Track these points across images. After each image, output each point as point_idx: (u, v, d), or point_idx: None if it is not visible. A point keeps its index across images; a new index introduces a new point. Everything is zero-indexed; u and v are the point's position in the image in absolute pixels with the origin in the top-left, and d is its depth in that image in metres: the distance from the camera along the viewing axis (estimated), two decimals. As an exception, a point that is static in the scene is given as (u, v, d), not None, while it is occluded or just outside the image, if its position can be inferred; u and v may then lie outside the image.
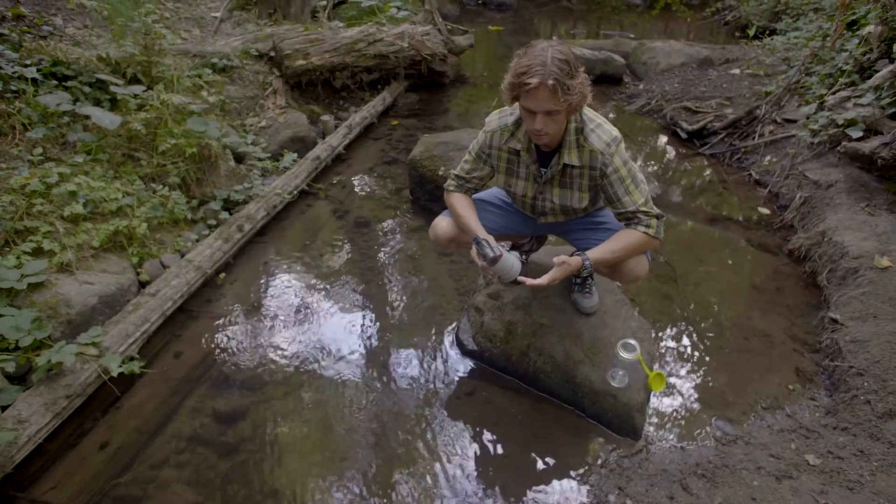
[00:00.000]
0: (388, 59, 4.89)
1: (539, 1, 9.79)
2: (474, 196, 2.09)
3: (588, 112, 1.75)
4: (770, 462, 1.87)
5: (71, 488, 1.80)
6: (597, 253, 1.80)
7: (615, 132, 1.75)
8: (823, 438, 1.96)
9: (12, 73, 2.88)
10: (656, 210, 1.79)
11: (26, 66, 2.95)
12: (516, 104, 1.74)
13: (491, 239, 1.83)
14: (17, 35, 3.30)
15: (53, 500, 1.76)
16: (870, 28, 3.76)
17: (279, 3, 5.76)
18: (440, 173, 3.26)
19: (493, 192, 2.17)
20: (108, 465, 1.88)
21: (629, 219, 1.80)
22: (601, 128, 1.74)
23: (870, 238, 2.75)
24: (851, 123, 3.30)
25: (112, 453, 1.92)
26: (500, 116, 1.87)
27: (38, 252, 2.30)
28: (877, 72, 3.50)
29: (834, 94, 3.71)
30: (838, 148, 3.38)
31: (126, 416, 2.07)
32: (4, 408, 1.87)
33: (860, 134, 3.22)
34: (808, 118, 3.75)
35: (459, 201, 1.99)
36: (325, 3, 6.05)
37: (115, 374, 2.06)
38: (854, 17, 4.19)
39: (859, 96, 3.43)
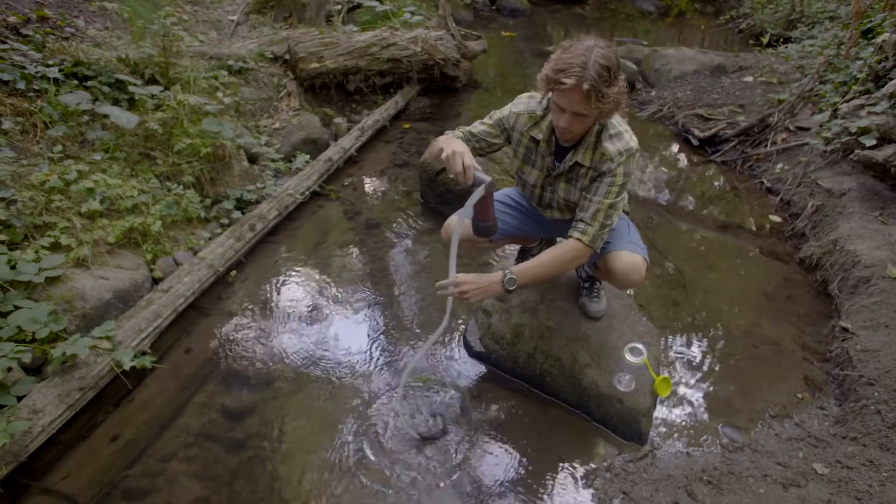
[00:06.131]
0: (402, 63, 4.93)
1: (552, 7, 9.81)
2: None
3: (615, 117, 1.73)
4: (777, 470, 1.86)
5: (82, 479, 1.84)
6: (521, 266, 1.78)
7: (632, 144, 1.71)
8: (832, 448, 1.95)
9: (35, 72, 2.95)
10: (609, 225, 1.76)
11: (49, 66, 3.02)
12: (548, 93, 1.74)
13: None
14: (40, 36, 3.38)
15: (65, 490, 1.80)
16: (885, 36, 3.73)
17: (295, 6, 5.83)
18: (451, 177, 3.27)
19: (505, 192, 2.19)
20: (118, 457, 1.92)
21: (581, 220, 1.77)
22: (620, 136, 1.71)
23: (883, 247, 2.73)
24: (865, 131, 3.27)
25: (122, 445, 1.96)
26: (530, 100, 1.86)
27: (55, 247, 2.35)
28: (891, 80, 3.47)
29: (848, 102, 3.68)
30: (851, 156, 3.35)
31: (137, 409, 2.10)
32: (20, 398, 1.91)
33: (874, 142, 3.19)
34: (821, 126, 3.72)
35: (455, 138, 1.82)
36: (339, 7, 6.12)
37: (127, 367, 2.10)
38: (869, 26, 4.16)
39: (873, 104, 3.40)
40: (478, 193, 1.59)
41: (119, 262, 2.51)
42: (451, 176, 1.66)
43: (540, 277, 1.84)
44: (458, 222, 1.67)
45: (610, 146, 1.71)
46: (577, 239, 1.75)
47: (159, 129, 2.98)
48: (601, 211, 1.73)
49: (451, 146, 1.65)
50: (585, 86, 1.48)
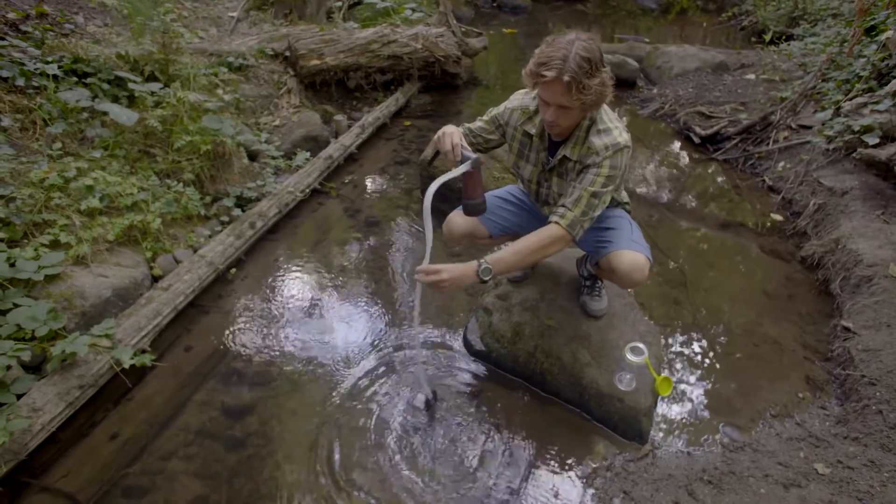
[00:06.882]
0: (402, 60, 4.91)
1: (553, 4, 9.78)
2: (488, 192, 2.09)
3: (606, 113, 1.72)
4: (778, 470, 1.85)
5: (82, 477, 1.84)
6: (497, 255, 1.72)
7: (621, 140, 1.68)
8: (833, 448, 1.94)
9: (34, 69, 2.94)
10: (590, 214, 1.72)
11: (48, 62, 3.01)
12: None
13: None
14: (39, 33, 3.37)
15: (65, 489, 1.80)
16: (889, 33, 3.71)
17: (295, 3, 5.81)
18: (449, 171, 3.26)
19: (507, 189, 2.19)
20: (118, 456, 1.91)
21: (562, 205, 1.74)
22: (609, 132, 1.69)
23: (885, 246, 2.72)
24: (868, 130, 3.26)
25: (122, 444, 1.96)
26: (525, 96, 1.87)
27: (55, 244, 2.34)
28: (894, 77, 3.45)
29: (850, 99, 3.66)
30: (854, 154, 3.34)
31: (136, 407, 2.10)
32: (20, 396, 1.91)
33: (876, 140, 3.17)
34: (823, 124, 3.70)
35: (451, 125, 1.82)
36: (340, 3, 6.10)
37: (126, 366, 2.10)
38: (873, 23, 4.14)
39: (876, 102, 3.39)
40: (464, 167, 1.66)
41: (119, 259, 2.51)
42: (448, 162, 1.74)
43: (516, 265, 1.77)
44: (431, 187, 1.70)
45: (597, 140, 1.69)
46: (556, 223, 1.71)
47: (159, 126, 2.97)
48: (583, 198, 1.70)
49: (444, 130, 1.74)
50: (566, 77, 1.48)
